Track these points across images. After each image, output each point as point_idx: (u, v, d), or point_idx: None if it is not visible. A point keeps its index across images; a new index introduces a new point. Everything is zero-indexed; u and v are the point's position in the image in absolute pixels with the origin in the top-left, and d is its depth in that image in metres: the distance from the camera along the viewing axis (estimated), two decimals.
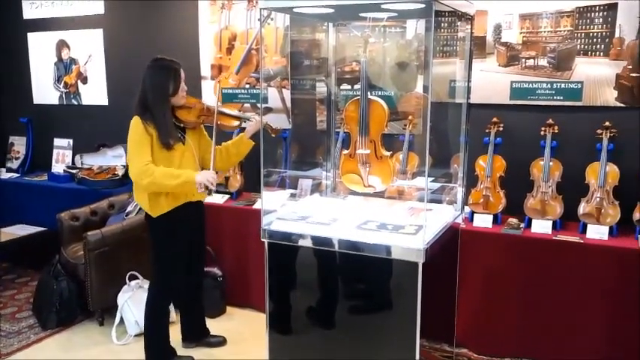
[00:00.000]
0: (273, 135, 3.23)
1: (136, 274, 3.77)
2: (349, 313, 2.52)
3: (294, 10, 2.55)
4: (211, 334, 3.53)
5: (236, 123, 3.25)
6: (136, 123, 2.97)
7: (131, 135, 2.97)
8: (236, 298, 4.05)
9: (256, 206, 3.88)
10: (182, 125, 3.11)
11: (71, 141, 5.22)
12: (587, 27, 3.35)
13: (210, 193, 2.99)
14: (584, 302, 3.13)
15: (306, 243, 2.49)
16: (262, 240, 2.60)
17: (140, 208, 3.69)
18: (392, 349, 2.41)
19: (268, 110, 4.29)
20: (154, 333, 3.22)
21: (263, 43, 4.14)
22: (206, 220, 3.35)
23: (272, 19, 4.09)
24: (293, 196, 3.22)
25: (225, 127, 3.23)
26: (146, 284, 3.56)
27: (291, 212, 2.76)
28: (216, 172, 3.08)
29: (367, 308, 2.49)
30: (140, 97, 3.00)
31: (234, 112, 3.35)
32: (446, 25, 3.63)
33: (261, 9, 2.48)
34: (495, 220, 3.41)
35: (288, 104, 4.22)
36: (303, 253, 2.55)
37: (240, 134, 3.25)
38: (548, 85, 3.47)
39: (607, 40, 3.31)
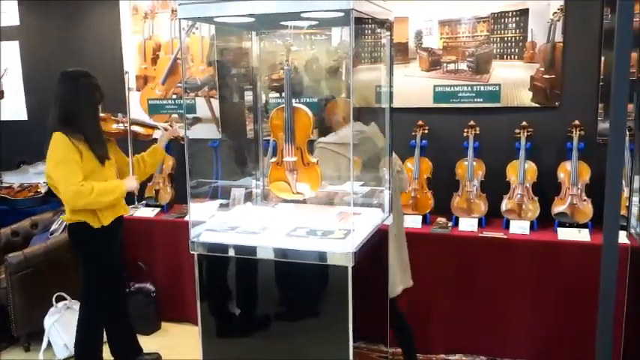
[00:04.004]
0: (183, 142, 3.24)
1: (64, 294, 3.62)
2: (282, 320, 2.51)
3: (214, 19, 2.53)
4: (145, 352, 3.44)
5: (150, 132, 3.31)
6: (60, 140, 2.81)
7: (56, 153, 2.80)
8: (171, 313, 3.97)
9: (188, 218, 3.81)
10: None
11: None
12: (502, 32, 3.51)
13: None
14: (510, 295, 3.26)
15: (236, 253, 2.47)
16: (191, 252, 2.56)
17: (65, 226, 3.56)
18: (326, 353, 2.42)
19: (197, 120, 4.24)
20: (88, 355, 3.10)
21: (188, 52, 4.09)
22: (137, 234, 3.29)
23: (197, 29, 4.05)
24: (223, 206, 3.19)
25: (140, 137, 3.27)
26: (75, 305, 3.43)
27: (220, 223, 2.72)
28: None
29: (300, 314, 2.49)
30: (61, 112, 2.86)
31: (148, 122, 3.39)
32: (369, 31, 3.71)
33: (180, 19, 2.44)
34: (424, 221, 3.51)
35: (217, 114, 4.18)
36: (234, 264, 2.53)
37: (154, 145, 3.28)
38: (469, 88, 3.61)
39: (521, 44, 3.47)
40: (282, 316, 2.52)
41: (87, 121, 2.88)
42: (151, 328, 3.85)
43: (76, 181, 2.78)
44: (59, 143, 2.81)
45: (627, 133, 2.94)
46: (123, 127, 3.16)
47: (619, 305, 2.40)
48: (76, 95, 2.88)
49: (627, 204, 2.67)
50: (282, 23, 2.62)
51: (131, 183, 3.02)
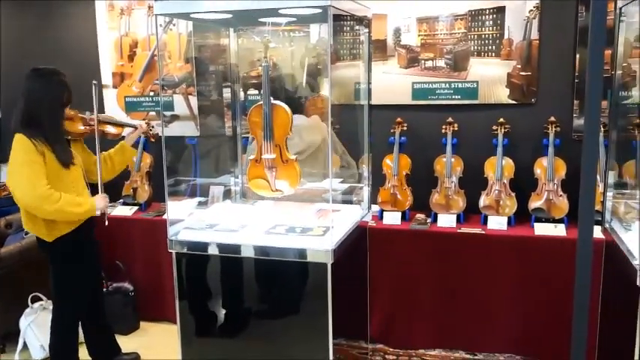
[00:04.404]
0: (153, 140, 3.38)
1: (40, 295, 3.56)
2: (262, 317, 2.51)
3: (191, 16, 2.52)
4: (123, 352, 3.40)
5: (120, 130, 3.19)
6: (22, 141, 2.66)
7: (19, 156, 2.65)
8: (150, 312, 3.93)
9: (166, 216, 3.78)
10: (68, 138, 2.93)
11: None
12: (480, 29, 3.54)
13: (103, 217, 2.90)
14: (489, 290, 3.29)
15: (214, 251, 2.46)
16: (170, 251, 2.55)
17: None
18: (306, 350, 2.43)
19: (175, 118, 4.21)
20: (63, 356, 3.06)
21: (165, 49, 4.05)
22: (115, 233, 3.23)
23: (174, 25, 4.01)
24: (202, 204, 3.17)
25: (109, 136, 3.15)
26: (51, 305, 3.38)
27: (198, 221, 2.71)
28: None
29: (279, 311, 2.49)
30: (25, 112, 2.72)
31: (117, 120, 3.31)
32: (348, 28, 3.71)
33: (156, 14, 2.42)
34: (404, 217, 3.52)
35: (196, 111, 4.15)
36: (213, 262, 2.52)
37: (121, 142, 3.18)
38: (447, 85, 3.63)
39: (497, 41, 3.50)
40: (261, 314, 2.52)
41: (50, 123, 2.73)
42: (129, 328, 3.82)
43: (43, 184, 2.62)
44: (21, 145, 2.66)
45: (602, 129, 3.00)
46: (89, 128, 2.99)
47: (594, 298, 2.45)
48: (42, 94, 2.73)
49: (602, 199, 2.72)
50: (260, 20, 2.61)
51: (101, 202, 2.84)
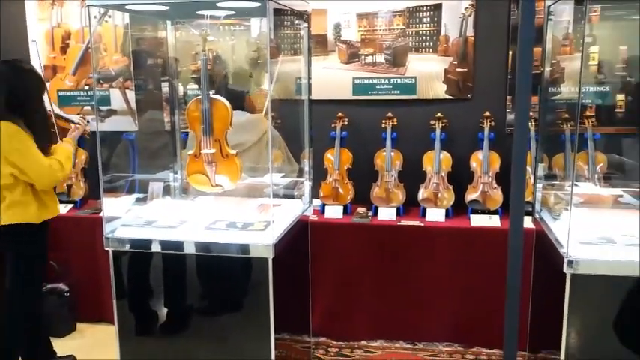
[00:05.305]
0: (87, 136, 3.50)
1: None
2: (203, 314, 2.48)
3: (126, 7, 2.45)
4: (59, 355, 3.29)
5: (68, 127, 3.21)
6: (11, 127, 2.72)
7: (16, 142, 2.73)
8: (87, 313, 3.82)
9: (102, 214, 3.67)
10: None
11: None
12: (417, 26, 3.61)
13: None
14: (429, 280, 3.37)
15: (153, 248, 2.41)
16: (106, 249, 2.48)
17: None
18: (248, 346, 2.42)
19: (112, 112, 4.09)
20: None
21: (100, 41, 3.93)
22: (48, 232, 3.14)
23: (109, 17, 3.89)
24: (140, 200, 3.10)
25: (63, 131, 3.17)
26: None
27: (136, 218, 2.65)
28: None
29: (220, 308, 2.47)
30: (7, 101, 2.77)
31: (66, 115, 3.27)
32: (288, 23, 3.70)
33: (89, 5, 2.34)
34: (345, 211, 3.56)
35: (133, 105, 4.04)
36: (151, 259, 2.47)
37: (64, 139, 3.21)
38: (386, 81, 3.68)
39: (435, 38, 3.58)
40: (202, 311, 2.49)
41: (33, 110, 2.87)
42: (65, 330, 3.69)
43: (45, 160, 2.81)
44: (13, 131, 2.73)
45: (532, 123, 3.12)
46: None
47: (525, 285, 2.55)
48: (24, 85, 2.85)
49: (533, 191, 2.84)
50: (198, 13, 2.57)
51: (67, 145, 3.06)
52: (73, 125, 3.23)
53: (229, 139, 2.56)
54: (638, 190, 2.96)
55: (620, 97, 3.46)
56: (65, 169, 2.91)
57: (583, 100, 3.40)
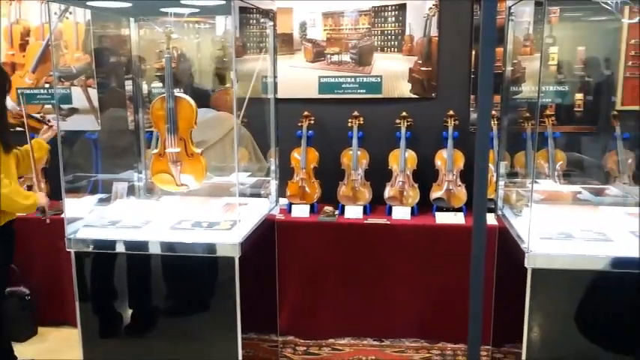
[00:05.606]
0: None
1: None
2: (169, 315, 2.46)
3: (87, 4, 2.40)
4: (19, 359, 3.21)
5: (39, 126, 3.12)
6: None
7: None
8: (49, 316, 3.73)
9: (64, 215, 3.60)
10: None
11: None
12: (383, 25, 3.63)
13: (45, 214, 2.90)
14: (395, 277, 3.41)
15: (117, 248, 2.37)
16: (68, 250, 2.43)
17: None
18: (215, 346, 2.41)
19: (74, 111, 4.00)
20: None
21: (61, 38, 3.84)
22: (14, 236, 3.07)
23: (70, 13, 3.80)
24: (103, 200, 3.05)
25: (33, 131, 3.07)
26: None
27: (99, 218, 2.61)
28: None
29: (186, 309, 2.45)
30: None
31: (36, 115, 3.19)
32: (254, 21, 3.68)
33: (48, 1, 2.29)
34: (312, 210, 3.56)
35: (96, 104, 3.97)
36: (115, 260, 2.43)
37: (36, 139, 3.07)
38: (352, 80, 3.70)
39: (400, 37, 3.62)
40: (168, 312, 2.47)
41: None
42: (26, 334, 3.60)
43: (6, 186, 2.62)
44: None
45: (495, 122, 3.19)
46: (18, 120, 3.01)
47: (489, 280, 2.61)
48: None
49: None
50: (162, 10, 2.54)
51: (42, 199, 2.88)
52: (45, 126, 3.10)
53: (194, 135, 2.54)
54: (596, 186, 3.06)
55: (579, 96, 3.55)
56: (7, 194, 2.66)
57: (543, 100, 3.48)
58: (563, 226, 2.37)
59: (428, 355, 3.37)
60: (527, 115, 3.27)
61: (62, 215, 3.63)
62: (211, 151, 2.78)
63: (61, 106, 3.95)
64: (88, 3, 2.42)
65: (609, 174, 3.31)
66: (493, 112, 3.07)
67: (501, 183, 2.83)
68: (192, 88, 3.60)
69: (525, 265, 2.15)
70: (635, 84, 3.48)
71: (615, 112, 3.41)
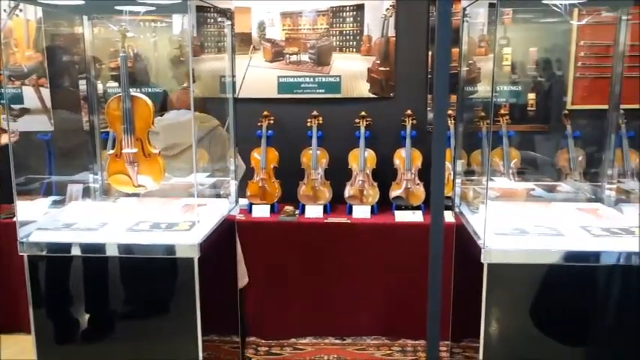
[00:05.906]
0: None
1: None
2: (126, 319, 2.41)
3: (38, 0, 2.33)
4: None
5: None
6: None
7: None
8: (2, 324, 3.60)
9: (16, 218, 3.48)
10: None
11: None
12: (341, 25, 3.66)
13: None
14: (357, 276, 3.43)
15: (72, 251, 2.31)
16: (20, 254, 2.35)
17: None
18: (176, 348, 2.37)
19: (25, 111, 3.88)
20: None
21: (11, 36, 3.72)
22: None
23: (20, 11, 3.68)
24: (58, 203, 2.96)
25: None
26: None
27: (53, 221, 2.54)
28: None
29: (145, 312, 2.41)
30: None
31: None
32: (212, 20, 3.65)
33: None
34: (272, 209, 3.56)
35: (49, 104, 3.86)
36: (70, 263, 2.37)
37: None
38: (311, 80, 3.71)
39: (358, 37, 3.65)
40: (126, 315, 2.42)
41: None
42: None
43: None
44: None
45: (452, 121, 3.24)
46: None
47: (447, 277, 2.65)
48: None
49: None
50: (116, 8, 2.49)
51: None
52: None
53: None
54: (549, 183, 3.15)
55: (532, 96, 3.66)
56: None
57: (498, 99, 3.57)
58: (518, 222, 2.43)
59: (389, 351, 3.41)
60: (483, 114, 3.34)
61: (14, 219, 3.53)
62: (189, 153, 2.72)
63: (12, 106, 3.83)
64: (39, 0, 2.34)
65: (561, 171, 3.42)
66: (449, 112, 3.13)
67: (458, 181, 2.88)
68: (148, 88, 3.55)
69: (482, 261, 2.20)
70: (584, 84, 3.60)
71: (566, 112, 3.52)
